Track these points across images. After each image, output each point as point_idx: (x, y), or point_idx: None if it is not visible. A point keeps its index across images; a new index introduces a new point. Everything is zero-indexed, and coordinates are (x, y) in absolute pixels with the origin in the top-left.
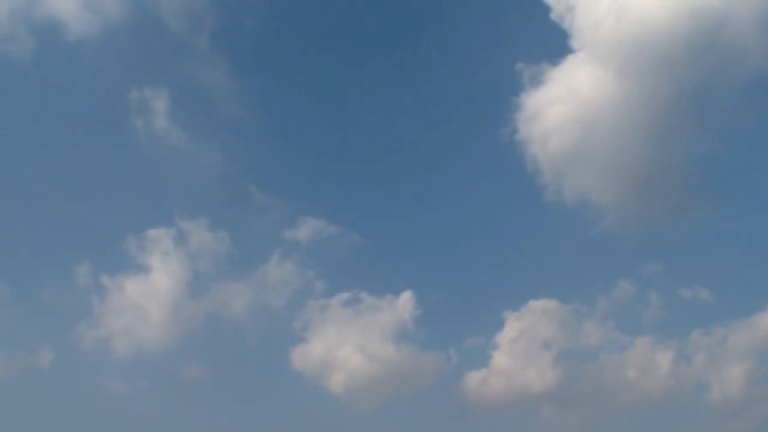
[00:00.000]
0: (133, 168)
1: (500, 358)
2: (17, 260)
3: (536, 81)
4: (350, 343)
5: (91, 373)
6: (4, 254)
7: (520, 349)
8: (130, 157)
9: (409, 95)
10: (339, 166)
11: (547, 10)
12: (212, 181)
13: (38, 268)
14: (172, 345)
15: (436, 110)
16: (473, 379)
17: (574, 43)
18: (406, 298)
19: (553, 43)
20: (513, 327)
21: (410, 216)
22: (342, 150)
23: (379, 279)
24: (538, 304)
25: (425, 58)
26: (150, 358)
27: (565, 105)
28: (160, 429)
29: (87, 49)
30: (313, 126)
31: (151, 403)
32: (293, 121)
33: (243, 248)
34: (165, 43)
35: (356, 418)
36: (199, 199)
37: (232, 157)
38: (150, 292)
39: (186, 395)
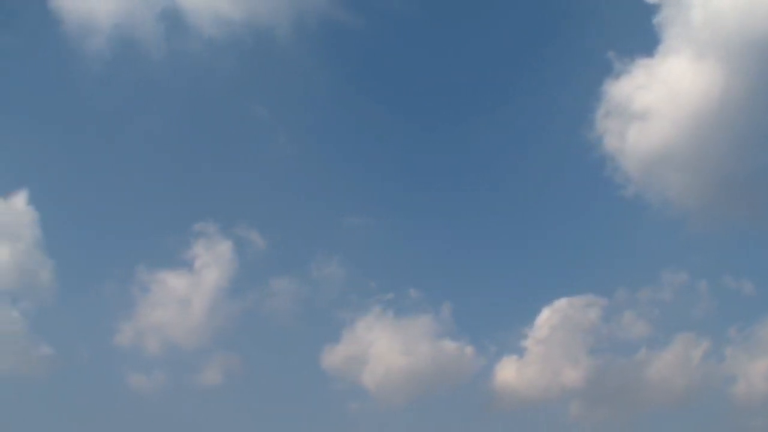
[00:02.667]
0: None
1: (534, 354)
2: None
3: (625, 72)
4: (386, 340)
5: (124, 367)
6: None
7: (555, 345)
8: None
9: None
10: (388, 165)
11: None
12: (261, 180)
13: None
14: (206, 341)
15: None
16: (505, 373)
17: (670, 35)
18: (446, 295)
19: (647, 35)
20: (548, 322)
21: (458, 213)
22: (393, 145)
23: (419, 278)
24: (577, 300)
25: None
26: (182, 353)
27: (656, 98)
28: (187, 424)
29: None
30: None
31: (181, 399)
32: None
33: (287, 246)
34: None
35: (387, 413)
36: (246, 198)
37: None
38: (192, 289)
39: (213, 392)
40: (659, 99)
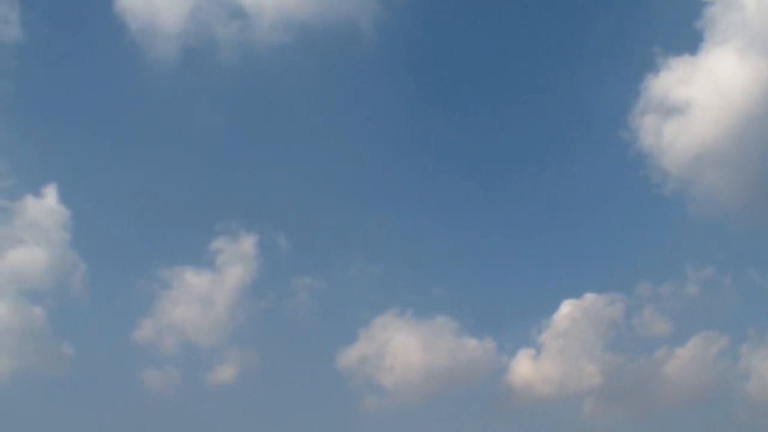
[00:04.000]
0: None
1: (551, 351)
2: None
3: (668, 67)
4: (406, 338)
5: (142, 364)
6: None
7: (573, 341)
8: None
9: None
10: (415, 164)
11: None
12: (286, 180)
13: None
14: (225, 339)
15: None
16: (523, 370)
17: (716, 30)
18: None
19: (692, 30)
20: (567, 318)
21: (483, 209)
22: (422, 143)
23: (441, 277)
24: (597, 296)
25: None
26: (200, 351)
27: (698, 94)
28: (203, 421)
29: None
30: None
31: (198, 396)
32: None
33: (309, 245)
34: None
35: (404, 411)
36: (270, 197)
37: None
38: (214, 287)
39: (229, 389)
40: (702, 95)
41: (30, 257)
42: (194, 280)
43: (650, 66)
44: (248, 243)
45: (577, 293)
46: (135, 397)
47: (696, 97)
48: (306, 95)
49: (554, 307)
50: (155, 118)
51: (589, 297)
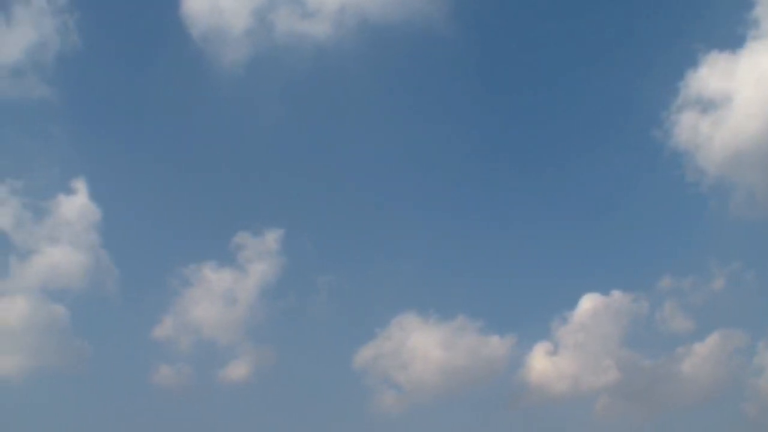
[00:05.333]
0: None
1: (568, 348)
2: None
3: (709, 63)
4: (423, 336)
5: (160, 361)
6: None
7: (591, 338)
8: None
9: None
10: (445, 164)
11: None
12: (314, 180)
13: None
14: (244, 337)
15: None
16: (539, 367)
17: (759, 27)
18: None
19: (736, 26)
20: (586, 315)
21: (508, 208)
22: (452, 144)
23: (463, 278)
24: (617, 293)
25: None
26: (218, 348)
27: (740, 92)
28: (218, 418)
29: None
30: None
31: (215, 393)
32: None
33: (333, 245)
34: None
35: (420, 409)
36: (300, 197)
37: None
38: (236, 285)
39: (246, 387)
40: (743, 92)
41: (56, 256)
42: (217, 277)
43: (691, 62)
44: (272, 240)
45: (598, 288)
46: (151, 394)
47: (736, 94)
48: (358, 91)
49: (574, 301)
50: (196, 117)
51: (610, 292)
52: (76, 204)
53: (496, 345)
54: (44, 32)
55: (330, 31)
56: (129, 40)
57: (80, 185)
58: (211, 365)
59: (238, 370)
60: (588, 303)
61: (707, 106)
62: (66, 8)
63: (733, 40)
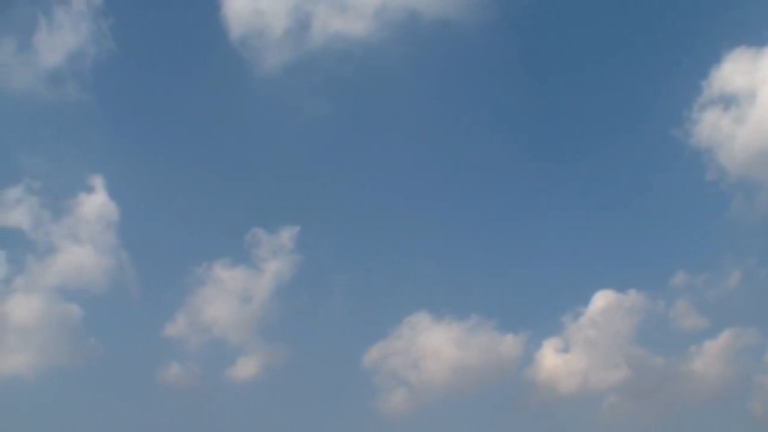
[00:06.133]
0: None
1: (579, 347)
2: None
3: (732, 61)
4: (435, 336)
5: (171, 359)
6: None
7: (602, 336)
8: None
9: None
10: (465, 161)
11: None
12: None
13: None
14: (256, 336)
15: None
16: (549, 365)
17: None
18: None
19: (760, 25)
20: (600, 309)
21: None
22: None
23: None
24: (630, 292)
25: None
26: (229, 347)
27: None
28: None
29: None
30: None
31: (225, 391)
32: None
33: (349, 245)
34: None
35: (429, 409)
36: (313, 195)
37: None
38: (250, 284)
39: (256, 385)
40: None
41: (72, 254)
42: (231, 274)
43: (714, 59)
44: (287, 238)
45: (612, 285)
46: (163, 392)
47: (760, 91)
48: (384, 90)
49: (587, 298)
50: (221, 117)
51: (624, 289)
52: (95, 203)
53: (509, 343)
54: (83, 35)
55: (368, 29)
56: (167, 42)
57: (98, 183)
58: (222, 363)
59: (249, 368)
60: (601, 300)
61: (730, 103)
62: (104, 12)
63: (757, 37)
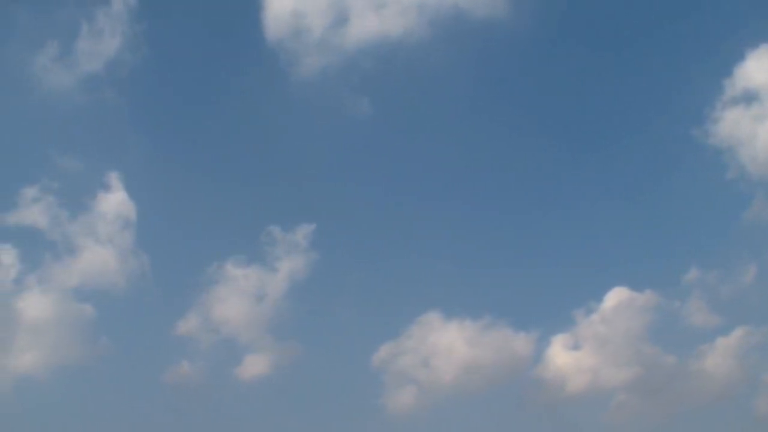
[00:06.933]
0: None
1: (589, 345)
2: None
3: (756, 58)
4: (447, 335)
5: (181, 357)
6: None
7: (613, 335)
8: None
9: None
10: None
11: None
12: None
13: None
14: (267, 334)
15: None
16: (559, 363)
17: None
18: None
19: None
20: (613, 306)
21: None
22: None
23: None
24: (642, 290)
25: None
26: (241, 345)
27: None
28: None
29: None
30: None
31: (234, 390)
32: None
33: (364, 243)
34: None
35: (439, 408)
36: (329, 194)
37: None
38: (263, 283)
39: (266, 383)
40: None
41: (88, 252)
42: (245, 272)
43: (738, 57)
44: (302, 236)
45: (625, 282)
46: (172, 390)
47: None
48: (414, 88)
49: (599, 296)
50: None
51: (638, 286)
52: (113, 201)
53: (521, 342)
54: (121, 38)
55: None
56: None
57: (116, 181)
58: (233, 361)
59: (258, 366)
60: (615, 297)
61: (752, 101)
62: (141, 14)
63: None
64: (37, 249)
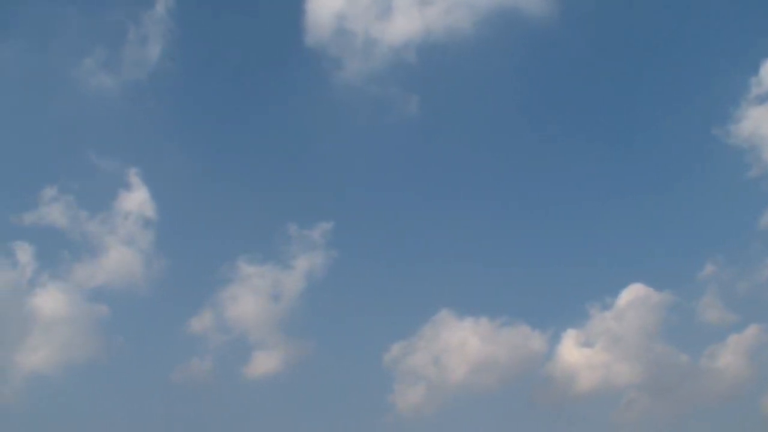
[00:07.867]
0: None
1: (603, 343)
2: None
3: None
4: (459, 334)
5: (193, 355)
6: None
7: (627, 333)
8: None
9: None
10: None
11: None
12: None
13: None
14: (281, 333)
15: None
16: (572, 361)
17: None
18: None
19: None
20: (627, 303)
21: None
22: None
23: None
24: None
25: None
26: (253, 343)
27: None
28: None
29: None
30: None
31: (244, 388)
32: None
33: (381, 243)
34: None
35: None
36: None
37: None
38: (281, 280)
39: (276, 381)
40: None
41: (104, 251)
42: (261, 270)
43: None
44: (319, 234)
45: (640, 279)
46: (184, 388)
47: None
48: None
49: (614, 293)
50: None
51: (653, 283)
52: (134, 200)
53: (536, 340)
54: (163, 41)
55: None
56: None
57: (136, 180)
58: (244, 360)
59: (270, 364)
60: (629, 294)
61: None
62: (184, 16)
63: None
64: (55, 247)
